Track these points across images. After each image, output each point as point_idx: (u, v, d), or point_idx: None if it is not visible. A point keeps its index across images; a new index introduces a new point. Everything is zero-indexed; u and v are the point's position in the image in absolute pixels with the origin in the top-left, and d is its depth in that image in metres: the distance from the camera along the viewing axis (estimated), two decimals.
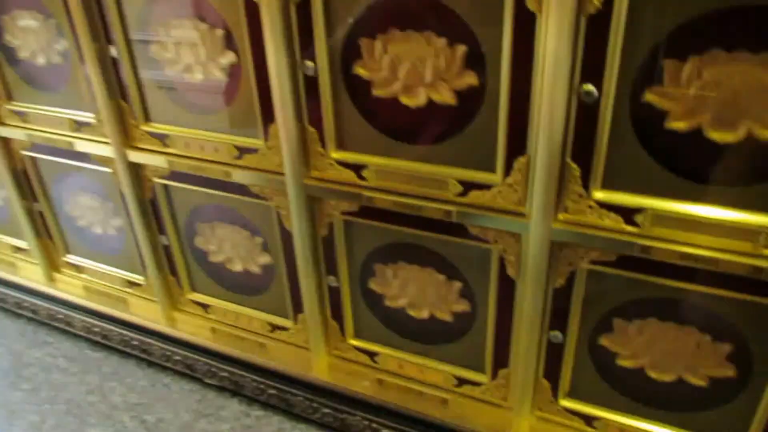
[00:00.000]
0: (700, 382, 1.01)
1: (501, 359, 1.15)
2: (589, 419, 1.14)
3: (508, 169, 0.94)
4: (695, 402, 1.04)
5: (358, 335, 1.32)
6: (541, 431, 1.18)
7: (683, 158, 0.84)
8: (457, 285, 1.13)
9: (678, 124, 0.81)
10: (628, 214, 0.90)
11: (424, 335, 1.23)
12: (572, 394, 1.14)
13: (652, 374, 1.04)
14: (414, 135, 1.00)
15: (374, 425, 1.31)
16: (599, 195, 0.91)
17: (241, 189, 1.22)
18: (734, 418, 1.01)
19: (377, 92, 0.99)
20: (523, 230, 0.98)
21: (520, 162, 0.93)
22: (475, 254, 1.07)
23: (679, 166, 0.85)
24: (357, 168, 1.07)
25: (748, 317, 0.92)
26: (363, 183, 1.08)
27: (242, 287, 1.42)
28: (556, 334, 1.07)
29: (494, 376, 1.18)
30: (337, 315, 1.29)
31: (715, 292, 0.91)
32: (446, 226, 1.05)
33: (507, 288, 1.06)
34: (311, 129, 1.07)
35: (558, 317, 1.05)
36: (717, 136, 0.80)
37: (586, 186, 0.91)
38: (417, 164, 1.02)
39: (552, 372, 1.12)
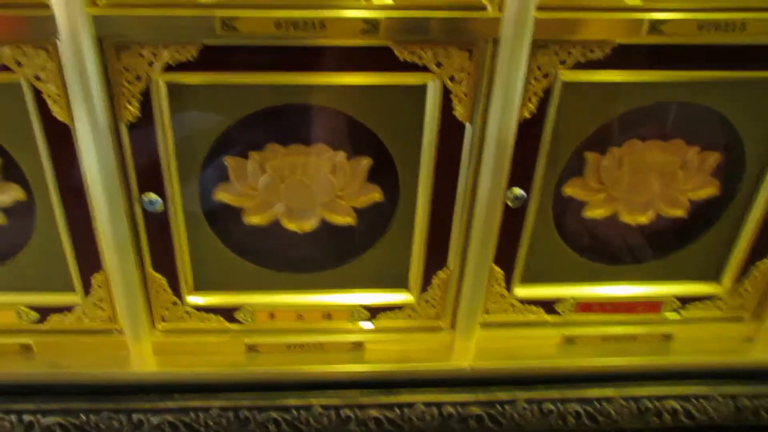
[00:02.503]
0: (346, 220, 0.79)
1: (90, 259, 0.79)
2: (229, 312, 0.85)
3: None
4: (347, 250, 0.82)
5: None
6: (170, 349, 0.86)
7: None
8: None
9: None
10: None
11: None
12: (201, 285, 0.84)
13: (291, 227, 0.79)
14: None
15: None
16: None
17: None
18: (390, 254, 0.82)
19: None
20: (48, 33, 0.62)
21: None
22: (3, 101, 0.68)
23: None
24: None
25: (375, 109, 0.71)
26: None
27: None
28: (151, 197, 0.74)
29: (87, 288, 0.82)
30: None
31: (336, 82, 0.68)
32: None
33: (61, 139, 0.70)
34: None
35: (148, 169, 0.73)
36: None
37: None
38: None
39: (164, 260, 0.80)
